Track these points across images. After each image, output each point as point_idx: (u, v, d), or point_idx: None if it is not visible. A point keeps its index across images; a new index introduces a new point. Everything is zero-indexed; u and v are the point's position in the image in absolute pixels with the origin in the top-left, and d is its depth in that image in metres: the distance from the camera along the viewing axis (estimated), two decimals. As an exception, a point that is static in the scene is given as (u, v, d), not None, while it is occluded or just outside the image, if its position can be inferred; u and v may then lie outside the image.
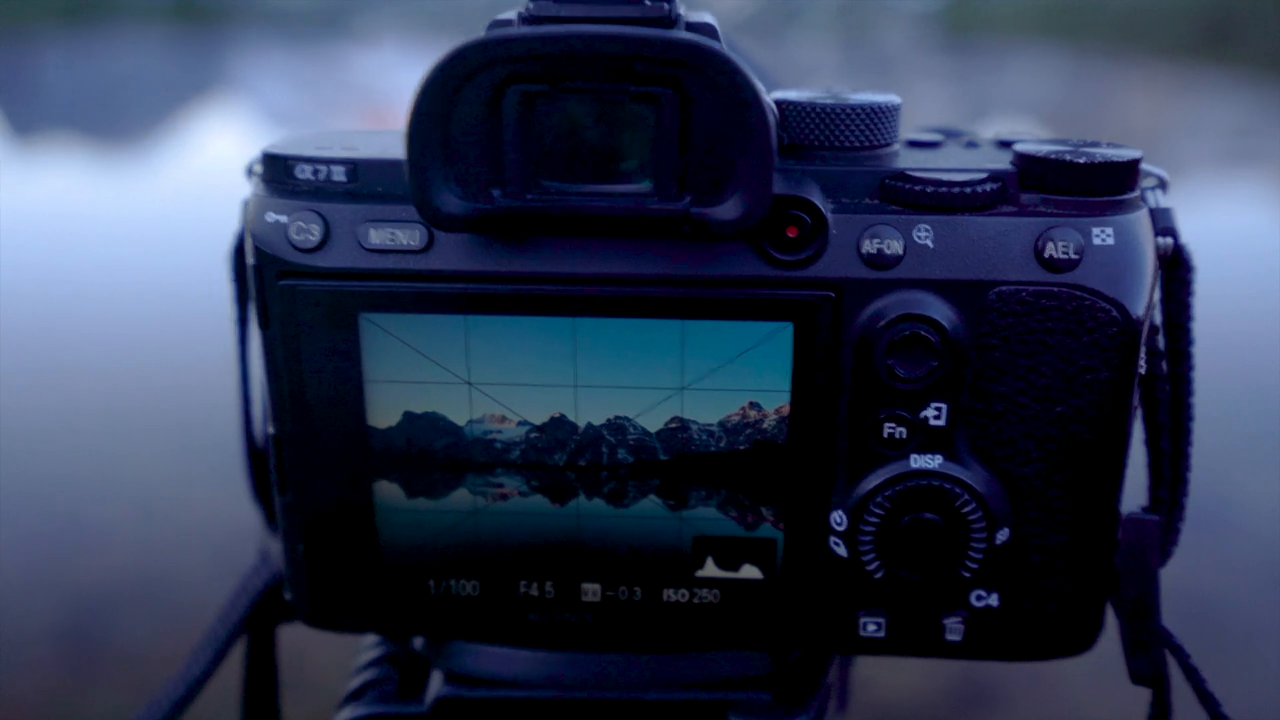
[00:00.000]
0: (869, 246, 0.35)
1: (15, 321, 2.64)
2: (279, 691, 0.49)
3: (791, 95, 0.37)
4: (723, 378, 0.37)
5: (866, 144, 0.37)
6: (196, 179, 4.24)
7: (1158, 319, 0.38)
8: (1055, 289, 0.35)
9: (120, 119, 5.48)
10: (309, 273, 0.36)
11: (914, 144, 0.39)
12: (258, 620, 0.47)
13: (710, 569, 0.39)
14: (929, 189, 0.35)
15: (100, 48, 7.70)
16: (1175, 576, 0.40)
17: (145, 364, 2.41)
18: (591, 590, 0.40)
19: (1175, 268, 0.37)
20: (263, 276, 0.37)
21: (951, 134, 0.41)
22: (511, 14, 0.34)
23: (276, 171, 0.37)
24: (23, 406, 2.19)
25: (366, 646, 0.46)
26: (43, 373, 2.37)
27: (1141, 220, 0.36)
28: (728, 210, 0.33)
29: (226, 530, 1.77)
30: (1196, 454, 0.39)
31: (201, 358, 2.38)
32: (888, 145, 0.38)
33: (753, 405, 0.37)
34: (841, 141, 0.37)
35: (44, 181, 4.17)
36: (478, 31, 0.33)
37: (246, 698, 0.48)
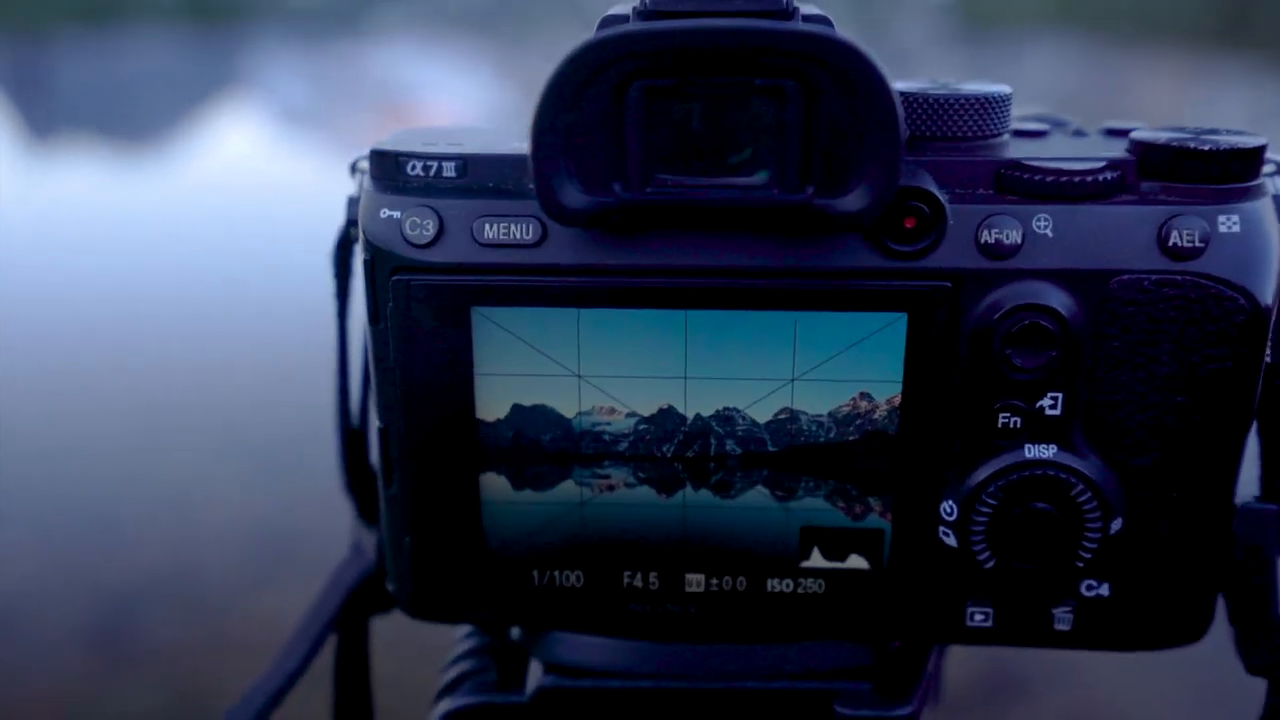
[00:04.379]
0: (987, 236, 0.35)
1: (45, 323, 2.65)
2: (371, 684, 0.49)
3: (900, 85, 0.37)
4: (834, 369, 0.37)
5: (979, 134, 0.37)
6: (215, 176, 4.25)
7: None
8: (1179, 277, 0.35)
9: (137, 118, 5.50)
10: (423, 268, 0.36)
11: (1021, 134, 0.39)
12: (351, 613, 0.47)
13: (816, 559, 0.39)
14: (1048, 178, 0.35)
15: (115, 47, 7.72)
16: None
17: (173, 362, 2.41)
18: (696, 581, 0.40)
19: None
20: (375, 272, 0.37)
21: (1056, 123, 0.41)
22: (625, 9, 0.34)
23: (387, 168, 0.37)
24: (49, 408, 2.20)
25: (461, 638, 0.46)
26: (68, 373, 2.37)
27: (1267, 207, 0.36)
28: (852, 201, 0.33)
29: (256, 529, 1.79)
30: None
31: (229, 354, 2.40)
32: (998, 135, 0.38)
33: (864, 396, 0.37)
34: (954, 132, 0.37)
35: (64, 181, 4.19)
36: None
37: (339, 691, 0.48)
